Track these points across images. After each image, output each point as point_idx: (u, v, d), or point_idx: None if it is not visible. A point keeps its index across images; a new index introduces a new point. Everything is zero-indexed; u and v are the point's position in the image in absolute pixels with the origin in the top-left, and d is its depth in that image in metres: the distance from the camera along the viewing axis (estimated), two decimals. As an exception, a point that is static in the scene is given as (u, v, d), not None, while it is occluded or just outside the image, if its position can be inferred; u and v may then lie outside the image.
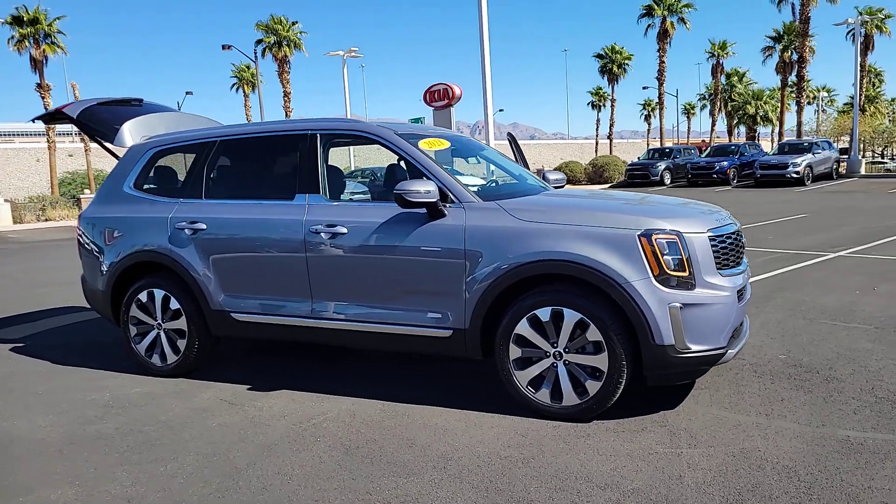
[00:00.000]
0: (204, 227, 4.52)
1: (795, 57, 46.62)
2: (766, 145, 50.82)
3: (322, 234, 4.12)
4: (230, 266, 4.46)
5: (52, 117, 5.57)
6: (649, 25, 44.81)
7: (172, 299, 4.67)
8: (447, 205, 3.85)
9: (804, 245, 9.69)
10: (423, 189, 3.72)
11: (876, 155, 47.67)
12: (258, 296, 4.42)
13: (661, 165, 27.58)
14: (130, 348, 4.87)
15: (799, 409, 3.64)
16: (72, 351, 5.60)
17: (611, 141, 56.66)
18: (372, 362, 4.92)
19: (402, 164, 4.44)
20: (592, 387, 3.54)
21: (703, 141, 56.43)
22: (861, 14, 34.16)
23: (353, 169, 23.77)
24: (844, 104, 64.85)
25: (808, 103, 56.68)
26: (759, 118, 57.75)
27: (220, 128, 4.90)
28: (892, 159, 46.18)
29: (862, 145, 38.46)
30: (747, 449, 3.18)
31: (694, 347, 3.42)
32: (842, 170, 26.80)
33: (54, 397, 4.44)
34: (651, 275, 3.39)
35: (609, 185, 29.95)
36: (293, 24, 44.89)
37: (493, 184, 4.62)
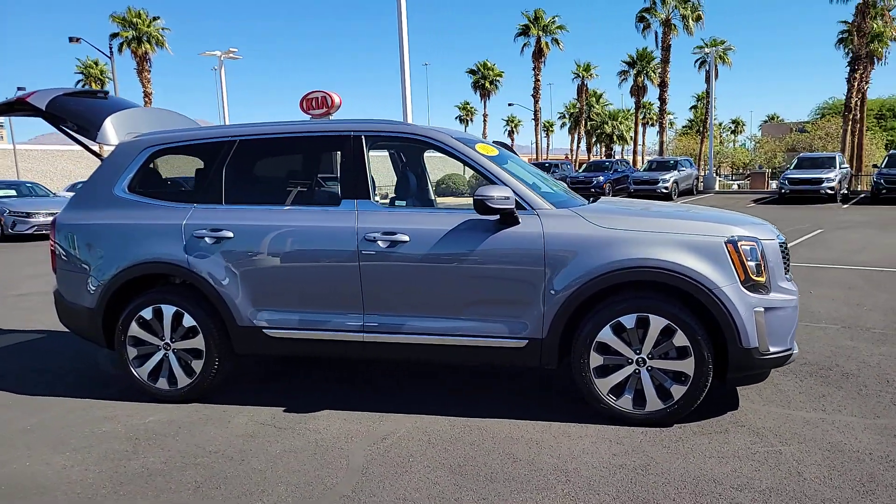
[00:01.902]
0: (231, 235, 4.09)
1: (648, 83, 50.93)
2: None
3: (379, 243, 3.88)
4: (264, 278, 4.08)
5: (11, 107, 4.78)
6: (525, 44, 46.85)
7: (186, 315, 4.18)
8: (518, 211, 3.79)
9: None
10: (502, 195, 3.64)
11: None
12: (298, 310, 4.07)
13: (543, 179, 28.77)
14: (129, 372, 4.29)
15: (846, 404, 3.95)
16: (38, 378, 4.84)
17: (484, 154, 58.25)
18: (397, 375, 4.70)
19: (469, 172, 4.30)
20: (677, 391, 3.62)
21: (567, 157, 59.76)
22: (707, 46, 37.90)
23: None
24: (683, 127, 71.75)
25: (651, 125, 62.02)
26: (615, 137, 62.30)
27: (236, 127, 4.47)
28: (723, 177, 51.55)
29: (702, 164, 42.49)
30: (835, 443, 3.40)
31: (772, 349, 3.61)
32: (699, 186, 29.47)
33: (53, 433, 3.82)
34: (738, 280, 3.54)
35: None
36: (154, 19, 42.09)
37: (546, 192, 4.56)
